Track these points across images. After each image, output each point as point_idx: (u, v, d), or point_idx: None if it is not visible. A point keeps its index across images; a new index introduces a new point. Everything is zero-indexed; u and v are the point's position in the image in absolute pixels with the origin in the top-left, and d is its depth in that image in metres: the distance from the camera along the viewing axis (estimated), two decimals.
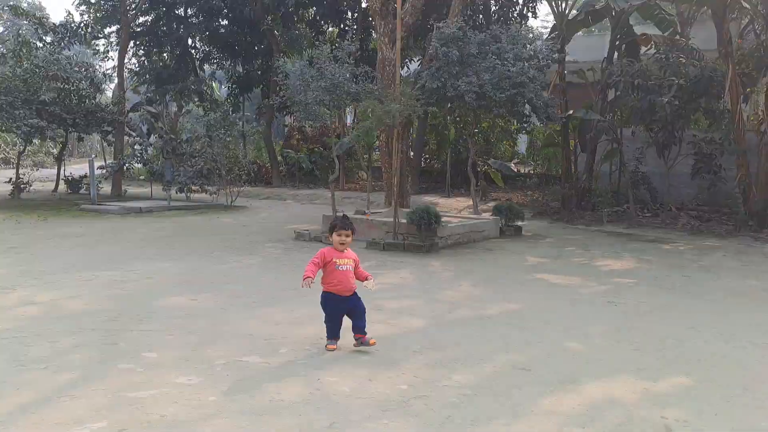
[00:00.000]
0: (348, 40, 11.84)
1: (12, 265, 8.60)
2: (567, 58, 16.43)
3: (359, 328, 5.18)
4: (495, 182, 19.33)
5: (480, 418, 3.91)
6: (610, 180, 16.57)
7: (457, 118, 19.75)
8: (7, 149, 34.48)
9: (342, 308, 5.19)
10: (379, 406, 4.09)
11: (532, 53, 12.77)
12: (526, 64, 12.45)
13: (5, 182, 19.96)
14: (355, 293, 5.21)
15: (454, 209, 15.93)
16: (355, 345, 5.19)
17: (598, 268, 9.38)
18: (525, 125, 13.81)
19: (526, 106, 12.68)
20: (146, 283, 7.75)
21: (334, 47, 12.15)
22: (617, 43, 16.26)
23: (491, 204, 15.50)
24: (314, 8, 24.13)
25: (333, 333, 5.24)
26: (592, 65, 17.02)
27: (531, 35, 13.40)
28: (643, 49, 16.06)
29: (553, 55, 13.28)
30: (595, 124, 15.26)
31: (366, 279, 5.27)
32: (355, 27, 22.41)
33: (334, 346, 5.19)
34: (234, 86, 26.69)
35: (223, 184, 17.74)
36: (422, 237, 10.33)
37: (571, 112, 16.11)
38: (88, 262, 8.98)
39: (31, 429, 3.66)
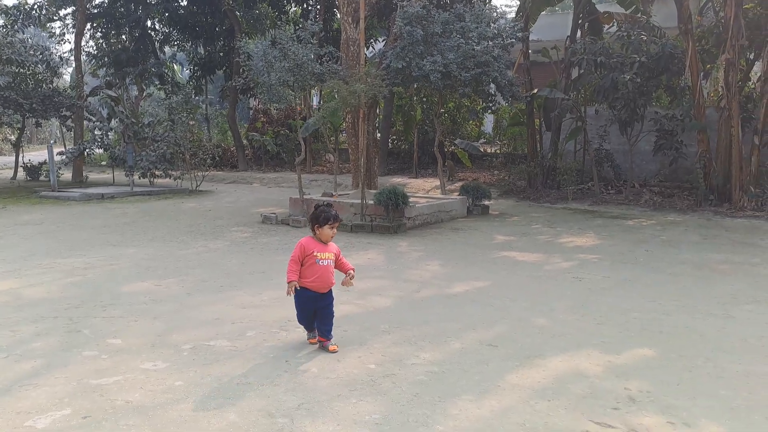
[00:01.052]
0: (311, 19, 11.68)
1: None
2: (531, 37, 16.50)
3: (324, 332, 4.78)
4: (462, 162, 19.41)
5: (447, 394, 3.95)
6: (575, 158, 16.81)
7: (424, 99, 19.73)
8: None
9: (314, 305, 4.76)
10: (348, 385, 4.10)
11: (496, 32, 12.76)
12: (491, 42, 12.47)
13: None
14: (330, 291, 4.82)
15: (422, 190, 15.98)
16: (312, 342, 4.89)
17: (563, 244, 9.52)
18: (490, 104, 13.84)
19: (491, 85, 12.72)
20: (109, 269, 7.61)
21: (297, 27, 11.99)
22: (580, 21, 16.39)
23: (458, 184, 15.58)
24: None
25: (309, 327, 4.91)
26: (555, 44, 17.15)
27: (495, 14, 13.36)
28: (606, 27, 16.23)
29: (517, 34, 13.30)
30: (560, 102, 15.42)
31: (348, 271, 4.86)
32: (318, 6, 22.08)
33: (315, 340, 4.87)
34: (196, 68, 26.15)
35: (187, 168, 17.45)
36: (390, 218, 10.34)
37: (535, 90, 16.23)
38: (48, 250, 8.76)
39: None
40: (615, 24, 15.39)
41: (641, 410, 3.75)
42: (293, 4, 24.69)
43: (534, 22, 16.65)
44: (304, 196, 11.76)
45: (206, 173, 18.33)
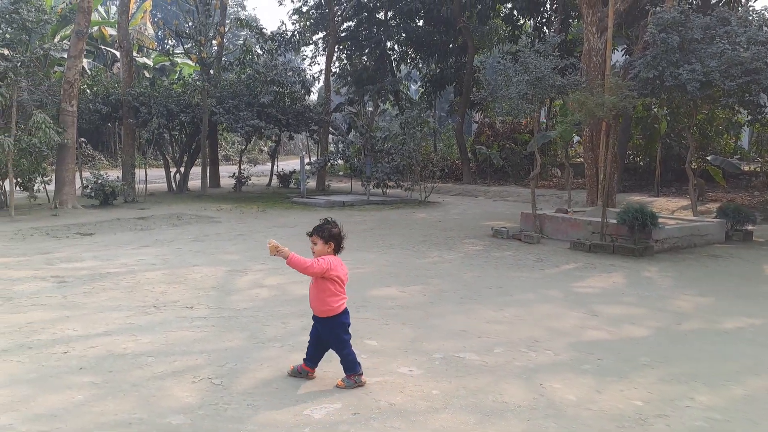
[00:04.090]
0: (551, 31, 11.36)
1: (241, 251, 9.54)
2: None
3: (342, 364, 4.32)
4: (714, 180, 17.34)
5: None
6: None
7: (667, 110, 18.06)
8: (228, 147, 38.82)
9: (316, 328, 4.39)
10: (613, 420, 3.78)
11: None
12: (763, 48, 10.94)
13: (229, 177, 22.42)
14: (326, 320, 4.27)
15: (666, 209, 14.58)
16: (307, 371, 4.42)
17: None
18: (758, 116, 12.12)
19: (762, 95, 11.14)
20: (357, 272, 8.09)
21: (532, 40, 11.77)
22: None
23: (710, 205, 13.93)
24: (511, 2, 23.69)
25: (308, 352, 4.40)
26: None
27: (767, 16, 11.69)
28: None
29: None
30: None
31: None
32: (553, 18, 21.55)
33: (306, 369, 4.38)
34: (428, 84, 27.20)
35: (417, 179, 18.13)
36: (635, 239, 9.55)
37: None
38: (303, 251, 9.61)
39: (277, 403, 3.95)
40: None
41: None
42: (527, 18, 24.45)
43: None
44: (537, 212, 11.42)
45: (434, 185, 18.88)
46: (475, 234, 11.79)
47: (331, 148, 23.51)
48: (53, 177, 15.04)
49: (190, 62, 29.01)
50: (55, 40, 25.02)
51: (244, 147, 24.73)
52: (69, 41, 17.37)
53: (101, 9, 35.00)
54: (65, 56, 22.03)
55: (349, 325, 4.39)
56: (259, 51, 22.33)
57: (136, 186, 17.44)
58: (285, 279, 7.63)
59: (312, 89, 23.92)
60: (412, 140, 18.01)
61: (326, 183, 22.37)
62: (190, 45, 19.88)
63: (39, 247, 9.52)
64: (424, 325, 5.76)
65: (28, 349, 4.83)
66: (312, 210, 15.81)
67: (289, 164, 31.08)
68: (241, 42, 27.24)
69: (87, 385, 4.14)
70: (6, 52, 14.79)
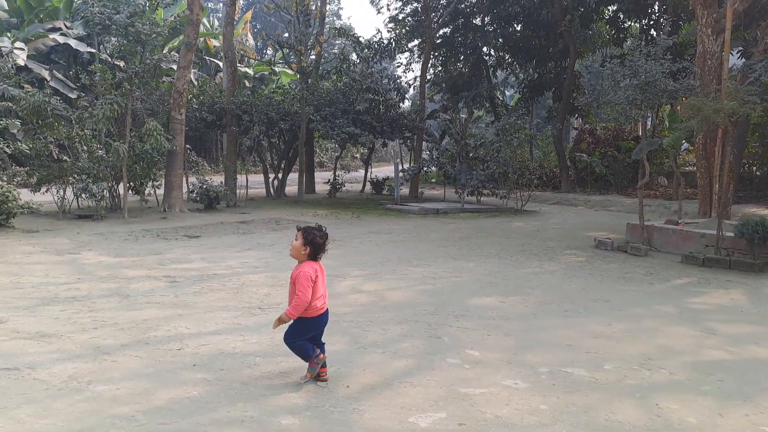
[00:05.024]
0: (659, 34, 10.78)
1: (338, 257, 9.68)
2: None
3: None
4: None
5: None
6: None
7: None
8: (321, 154, 39.78)
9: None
10: None
11: None
12: None
13: (324, 183, 22.93)
14: (296, 320, 4.31)
15: None
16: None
17: None
18: None
19: None
20: (454, 281, 8.02)
21: (639, 43, 11.21)
22: None
23: None
24: (616, 4, 22.76)
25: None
26: None
27: None
28: None
29: None
30: None
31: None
32: (662, 20, 20.49)
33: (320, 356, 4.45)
34: (525, 90, 26.61)
35: (513, 188, 17.75)
36: (754, 254, 8.84)
37: None
38: (399, 258, 9.67)
39: (381, 409, 3.94)
40: None
41: None
42: (633, 20, 23.41)
43: None
44: (645, 223, 10.84)
45: (531, 193, 18.41)
46: (576, 245, 11.36)
47: (424, 155, 23.49)
48: (162, 182, 15.96)
49: (287, 71, 30.01)
50: (164, 51, 26.66)
51: (338, 154, 25.21)
52: (177, 52, 18.41)
53: (205, 21, 36.95)
54: (173, 67, 23.40)
55: (317, 331, 4.42)
56: (355, 59, 22.72)
57: (238, 191, 18.19)
58: (382, 285, 7.66)
59: (406, 96, 24.04)
60: (508, 147, 17.65)
61: (419, 190, 22.38)
62: (289, 53, 20.53)
63: (151, 248, 10.11)
64: (527, 337, 5.58)
65: (145, 345, 5.10)
66: (406, 217, 15.84)
67: (381, 171, 31.40)
68: (336, 51, 27.82)
69: (201, 381, 4.32)
70: (121, 63, 15.86)
